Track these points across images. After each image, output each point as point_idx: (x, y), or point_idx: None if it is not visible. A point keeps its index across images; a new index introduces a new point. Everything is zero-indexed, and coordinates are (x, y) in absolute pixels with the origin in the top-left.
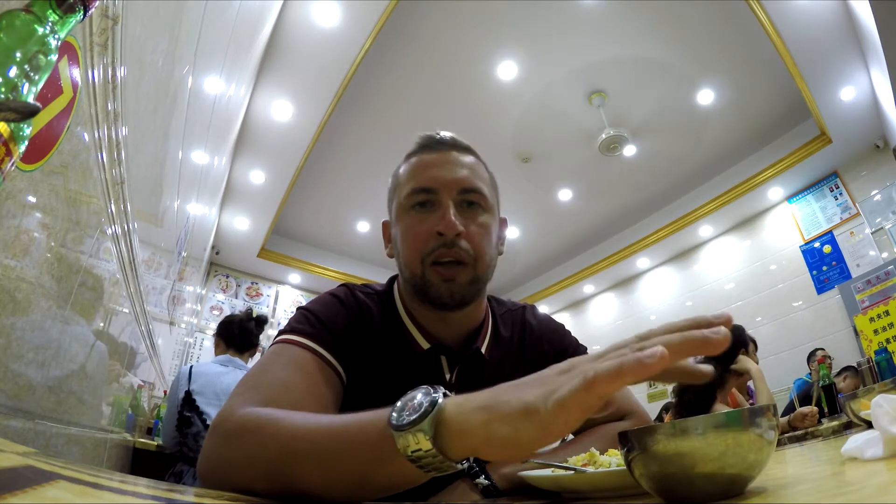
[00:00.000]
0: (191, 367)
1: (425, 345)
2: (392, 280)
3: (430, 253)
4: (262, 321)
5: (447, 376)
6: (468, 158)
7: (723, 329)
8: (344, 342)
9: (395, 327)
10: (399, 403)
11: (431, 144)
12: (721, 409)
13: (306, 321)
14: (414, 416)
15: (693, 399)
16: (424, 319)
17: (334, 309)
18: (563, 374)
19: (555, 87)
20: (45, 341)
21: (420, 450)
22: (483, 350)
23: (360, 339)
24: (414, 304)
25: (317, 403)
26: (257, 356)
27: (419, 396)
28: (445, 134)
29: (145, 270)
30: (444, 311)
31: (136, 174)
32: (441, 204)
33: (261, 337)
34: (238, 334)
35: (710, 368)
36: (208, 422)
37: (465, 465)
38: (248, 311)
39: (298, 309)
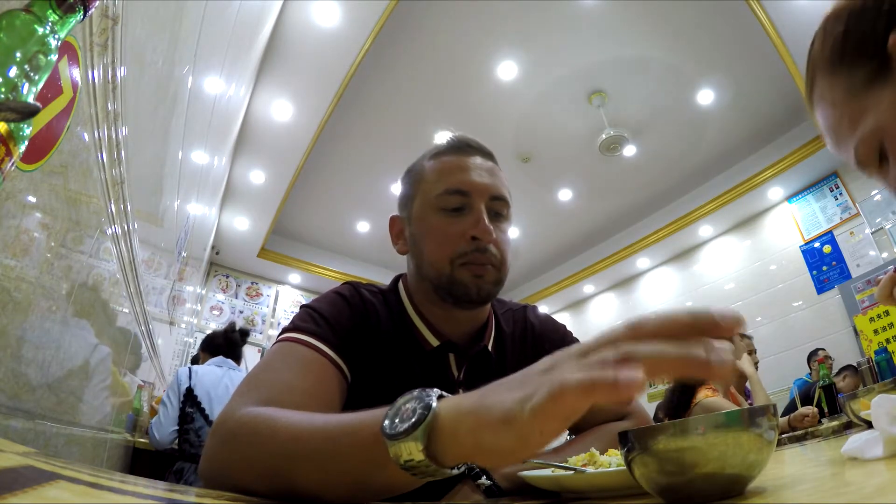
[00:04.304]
0: (189, 367)
1: (435, 342)
2: (397, 279)
3: (461, 255)
4: (245, 333)
5: (455, 374)
6: (495, 166)
7: (728, 356)
8: (349, 341)
9: (403, 326)
10: (393, 408)
11: (461, 147)
12: (719, 404)
13: (311, 319)
14: (406, 425)
15: (674, 394)
16: (434, 318)
17: (339, 307)
18: (544, 375)
19: (555, 87)
20: (45, 341)
21: (412, 459)
22: (489, 348)
23: (365, 338)
24: (426, 301)
25: (320, 403)
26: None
27: (412, 402)
28: (471, 138)
29: (145, 270)
30: (462, 309)
31: (136, 174)
32: (473, 208)
33: (261, 338)
34: (224, 343)
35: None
36: (211, 417)
37: (460, 470)
38: (232, 324)
39: (302, 307)
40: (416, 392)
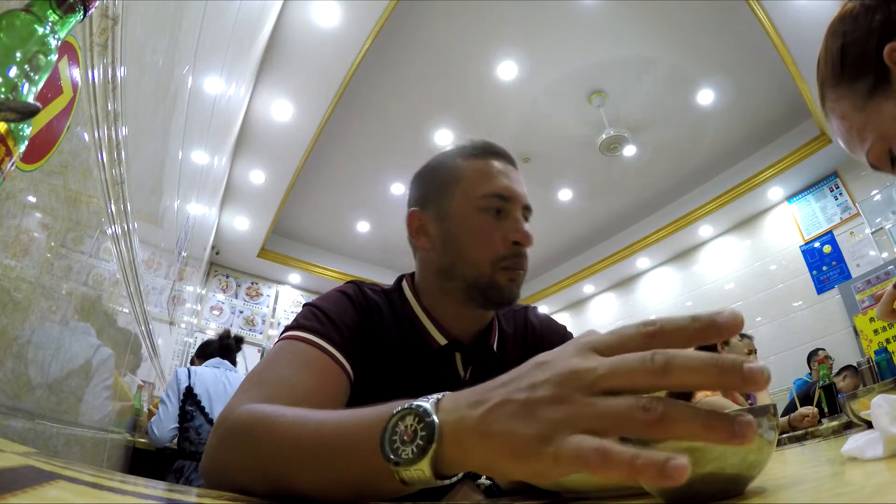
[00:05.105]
0: (188, 368)
1: (442, 341)
2: (400, 279)
3: (502, 258)
4: (240, 339)
5: (462, 374)
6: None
7: (750, 420)
8: (353, 340)
9: (410, 324)
10: (388, 428)
11: (498, 153)
12: (719, 403)
13: (314, 318)
14: (410, 450)
15: (672, 394)
16: (443, 316)
17: (343, 306)
18: (555, 408)
19: (555, 87)
20: (45, 341)
21: (416, 480)
22: (494, 348)
23: (369, 337)
24: (438, 299)
25: (321, 401)
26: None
27: (410, 418)
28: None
29: (145, 270)
30: (486, 310)
31: (136, 174)
32: (511, 214)
33: (261, 338)
34: (219, 349)
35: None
36: (211, 415)
37: (458, 479)
38: (227, 331)
39: (306, 305)
40: (411, 406)
